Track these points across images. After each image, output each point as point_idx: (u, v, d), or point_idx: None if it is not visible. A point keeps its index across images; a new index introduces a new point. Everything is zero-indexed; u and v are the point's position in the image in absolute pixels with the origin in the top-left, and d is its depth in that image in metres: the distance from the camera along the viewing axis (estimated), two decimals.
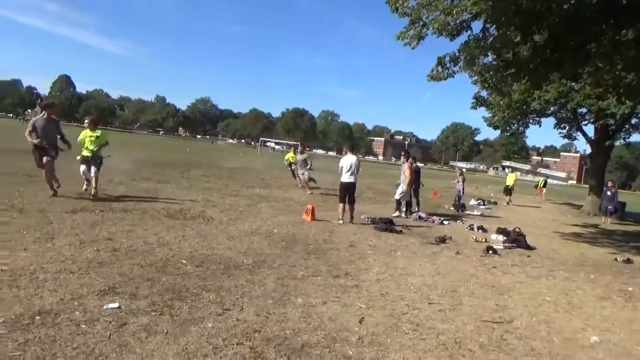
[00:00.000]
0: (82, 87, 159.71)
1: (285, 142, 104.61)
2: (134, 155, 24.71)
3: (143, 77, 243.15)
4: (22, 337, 3.44)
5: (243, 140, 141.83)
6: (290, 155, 19.40)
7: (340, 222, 10.49)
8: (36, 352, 3.26)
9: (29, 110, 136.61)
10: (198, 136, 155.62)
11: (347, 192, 10.73)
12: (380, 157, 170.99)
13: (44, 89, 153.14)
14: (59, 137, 9.67)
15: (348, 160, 10.81)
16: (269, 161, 41.27)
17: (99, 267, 5.25)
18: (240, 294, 4.94)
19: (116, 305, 4.21)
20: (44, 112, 9.66)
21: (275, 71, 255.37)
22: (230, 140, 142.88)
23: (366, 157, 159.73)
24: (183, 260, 5.95)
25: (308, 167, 16.82)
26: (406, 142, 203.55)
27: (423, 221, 12.76)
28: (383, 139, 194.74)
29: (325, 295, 5.26)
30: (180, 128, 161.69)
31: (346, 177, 10.74)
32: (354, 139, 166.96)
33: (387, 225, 10.52)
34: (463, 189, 17.72)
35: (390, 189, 22.41)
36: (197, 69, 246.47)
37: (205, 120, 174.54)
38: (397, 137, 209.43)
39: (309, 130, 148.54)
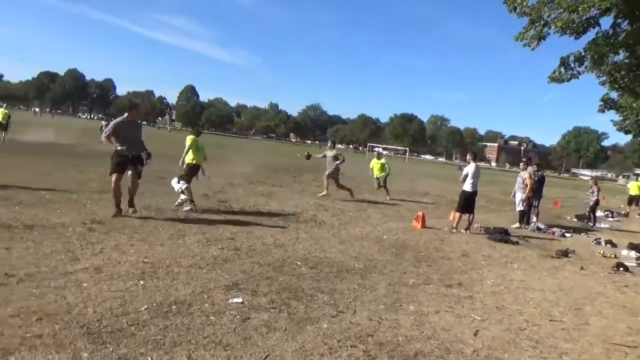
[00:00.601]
0: (204, 96, 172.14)
1: (393, 147, 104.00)
2: (251, 160, 26.17)
3: (258, 85, 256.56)
4: (162, 323, 3.85)
5: (351, 146, 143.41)
6: (374, 163, 16.48)
7: (454, 230, 10.24)
8: (173, 338, 3.63)
9: (160, 118, 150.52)
10: (308, 141, 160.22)
11: (469, 202, 10.46)
12: (493, 164, 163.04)
13: (172, 98, 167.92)
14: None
15: (472, 168, 10.52)
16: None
17: (224, 264, 5.69)
18: (353, 298, 5.06)
19: (240, 300, 4.54)
20: (126, 114, 8.05)
21: (384, 76, 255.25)
22: (339, 146, 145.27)
23: (478, 164, 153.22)
24: (298, 262, 6.23)
25: (338, 162, 14.39)
26: (522, 148, 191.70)
27: (542, 233, 12.01)
28: (496, 144, 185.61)
29: (438, 305, 5.20)
30: (292, 134, 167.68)
31: (470, 186, 10.48)
32: (465, 144, 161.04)
33: (502, 235, 10.07)
34: (597, 200, 16.03)
35: (504, 198, 21.32)
36: (307, 76, 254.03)
37: (315, 126, 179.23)
38: (511, 142, 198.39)
39: (417, 136, 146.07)
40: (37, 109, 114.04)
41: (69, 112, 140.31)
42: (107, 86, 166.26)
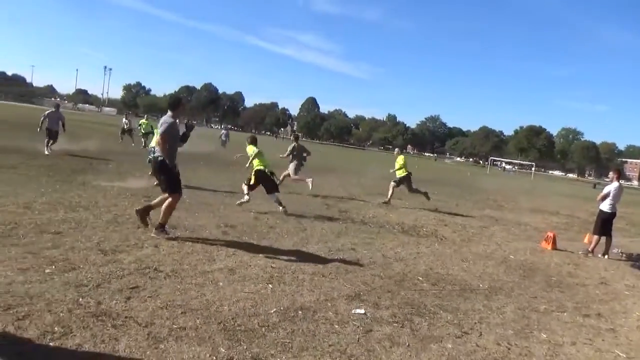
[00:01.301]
0: (325, 108, 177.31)
1: (518, 161, 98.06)
2: (369, 171, 26.37)
3: (377, 97, 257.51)
4: (289, 327, 4.03)
5: (471, 159, 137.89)
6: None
7: (590, 254, 9.37)
8: (300, 343, 3.78)
9: (282, 129, 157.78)
10: (426, 154, 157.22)
11: (607, 224, 9.57)
12: (635, 182, 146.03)
13: (294, 110, 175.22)
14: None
15: (615, 187, 9.61)
16: (500, 182, 39.34)
17: (345, 274, 5.79)
18: (478, 319, 4.86)
19: (362, 311, 4.59)
20: (170, 112, 6.53)
21: (508, 86, 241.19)
22: (458, 159, 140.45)
23: (621, 182, 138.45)
24: (419, 277, 6.13)
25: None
26: None
27: None
28: (638, 161, 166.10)
29: (574, 335, 4.79)
30: (409, 145, 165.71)
31: (608, 207, 9.60)
32: (601, 160, 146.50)
33: None
34: None
35: None
36: (427, 87, 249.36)
37: (433, 138, 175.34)
38: None
39: (545, 150, 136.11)
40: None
41: (203, 123, 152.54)
42: (237, 98, 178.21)
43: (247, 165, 9.82)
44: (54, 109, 15.79)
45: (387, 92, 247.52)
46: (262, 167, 9.42)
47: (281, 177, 12.86)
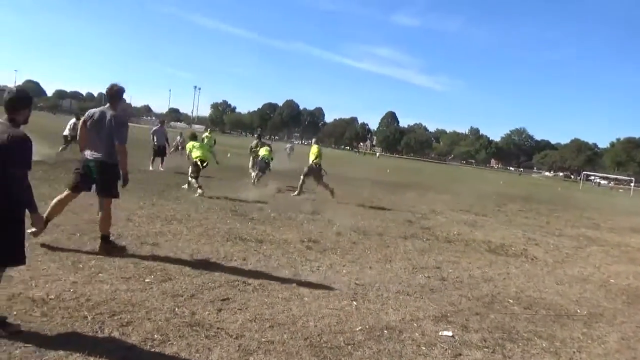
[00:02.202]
0: (404, 122, 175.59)
1: (614, 176, 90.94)
2: (451, 186, 25.67)
3: (458, 110, 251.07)
4: (375, 346, 3.99)
5: (561, 174, 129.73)
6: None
7: None
8: None
9: (362, 144, 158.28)
10: (510, 168, 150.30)
11: None
12: None
13: (374, 124, 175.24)
14: None
15: None
16: (595, 198, 36.73)
17: (431, 294, 5.65)
18: (577, 348, 4.53)
19: (450, 333, 4.45)
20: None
21: (602, 95, 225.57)
22: (546, 173, 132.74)
23: None
24: (509, 300, 5.85)
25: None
26: None
27: None
28: None
29: None
30: (493, 160, 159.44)
31: None
32: None
33: None
34: None
35: None
36: (512, 99, 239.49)
37: (519, 151, 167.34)
38: None
39: None
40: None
41: (284, 139, 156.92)
42: (317, 114, 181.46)
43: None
44: (159, 125, 17.08)
45: (468, 104, 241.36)
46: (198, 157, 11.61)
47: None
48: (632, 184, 67.40)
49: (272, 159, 15.44)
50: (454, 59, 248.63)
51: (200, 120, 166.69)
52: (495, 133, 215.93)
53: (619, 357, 4.45)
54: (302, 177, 13.43)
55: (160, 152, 15.97)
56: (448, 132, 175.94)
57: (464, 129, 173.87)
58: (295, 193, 13.27)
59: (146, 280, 4.81)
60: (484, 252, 8.70)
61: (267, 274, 5.57)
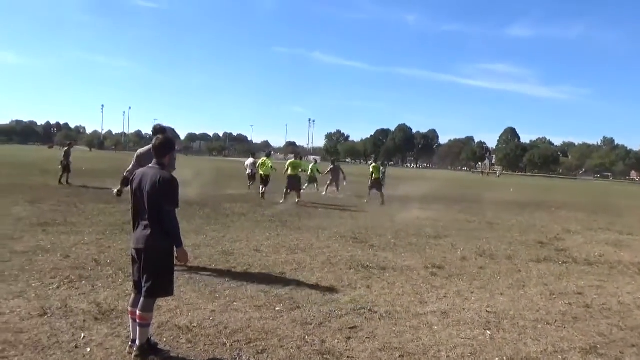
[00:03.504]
0: (526, 138, 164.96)
1: None
2: (583, 202, 23.46)
3: (586, 120, 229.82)
4: None
5: None
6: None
7: None
8: None
9: (480, 163, 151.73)
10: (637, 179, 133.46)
11: None
12: None
13: (492, 142, 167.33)
14: None
15: None
16: None
17: (574, 323, 5.14)
18: None
19: None
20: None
21: None
22: None
23: None
24: None
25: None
26: None
27: None
28: None
29: None
30: (633, 172, 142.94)
31: None
32: None
33: None
34: None
35: None
36: None
37: None
38: None
39: None
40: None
41: (399, 164, 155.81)
42: (431, 136, 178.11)
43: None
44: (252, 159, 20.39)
45: (598, 113, 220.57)
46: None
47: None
48: None
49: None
50: (577, 67, 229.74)
51: (315, 151, 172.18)
52: (634, 142, 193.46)
53: None
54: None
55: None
56: (577, 144, 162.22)
57: (595, 140, 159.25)
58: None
59: (276, 309, 4.99)
60: (634, 275, 7.75)
61: (392, 301, 5.49)
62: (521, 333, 4.72)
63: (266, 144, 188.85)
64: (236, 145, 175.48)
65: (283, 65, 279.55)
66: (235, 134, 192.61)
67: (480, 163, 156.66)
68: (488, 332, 4.69)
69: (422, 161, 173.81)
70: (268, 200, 15.68)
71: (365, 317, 4.90)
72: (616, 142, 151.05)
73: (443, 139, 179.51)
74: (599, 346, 4.49)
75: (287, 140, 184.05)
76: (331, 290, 5.80)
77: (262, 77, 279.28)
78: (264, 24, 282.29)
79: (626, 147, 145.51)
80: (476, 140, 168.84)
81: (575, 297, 6.17)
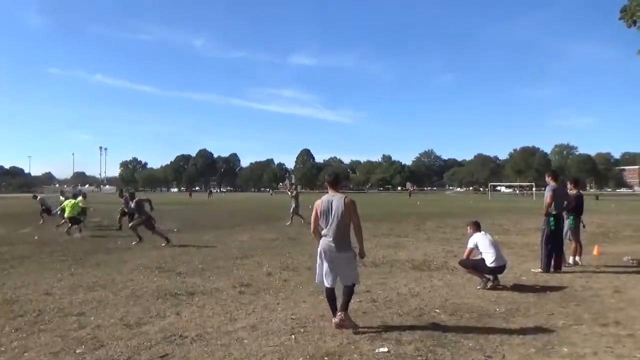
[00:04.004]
0: (320, 157, 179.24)
1: (517, 184, 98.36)
2: (372, 214, 26.52)
3: (368, 140, 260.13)
4: None
5: (471, 188, 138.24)
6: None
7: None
8: None
9: (281, 184, 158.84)
10: (426, 188, 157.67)
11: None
12: (637, 188, 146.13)
13: (290, 163, 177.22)
14: None
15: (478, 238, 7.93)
16: (503, 206, 39.48)
17: (364, 316, 5.92)
18: (499, 342, 4.97)
19: (386, 349, 4.72)
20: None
21: (496, 111, 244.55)
22: (458, 189, 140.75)
23: (617, 190, 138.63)
24: (436, 310, 6.26)
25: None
26: None
27: None
28: (637, 166, 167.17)
29: (595, 345, 4.89)
30: (408, 183, 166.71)
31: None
32: (599, 171, 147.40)
33: None
34: None
35: None
36: (417, 123, 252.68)
37: (430, 172, 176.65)
38: None
39: (542, 169, 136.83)
40: (208, 189, 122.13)
41: (202, 188, 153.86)
42: (233, 160, 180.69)
43: None
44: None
45: (377, 133, 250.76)
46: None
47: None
48: (533, 189, 73.19)
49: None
50: (354, 92, 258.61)
51: (110, 180, 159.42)
52: (406, 157, 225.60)
53: (535, 343, 4.93)
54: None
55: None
56: (362, 162, 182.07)
57: (377, 157, 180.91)
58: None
59: (77, 351, 4.65)
60: (408, 270, 9.18)
61: (203, 324, 5.57)
62: (321, 332, 5.26)
63: (49, 176, 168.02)
64: (9, 179, 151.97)
65: (59, 88, 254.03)
66: (7, 166, 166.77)
67: (281, 183, 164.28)
68: (293, 336, 5.12)
69: (226, 185, 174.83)
70: (55, 239, 14.12)
71: (177, 344, 4.89)
72: (393, 158, 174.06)
73: (245, 162, 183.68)
74: (383, 332, 5.27)
75: (75, 170, 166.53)
76: (138, 323, 5.61)
77: (37, 102, 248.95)
78: (34, 43, 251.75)
79: (401, 162, 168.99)
80: (276, 162, 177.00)
81: (364, 294, 7.06)
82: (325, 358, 4.50)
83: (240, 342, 4.93)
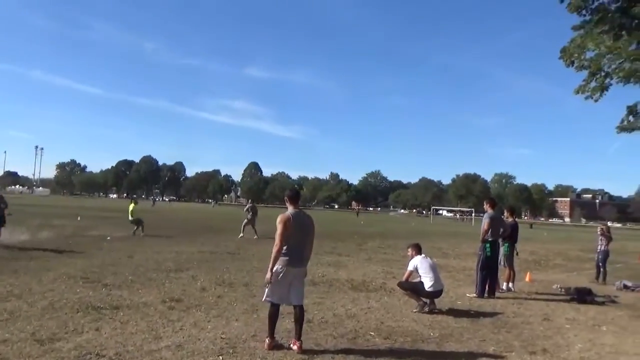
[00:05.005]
0: (268, 172, 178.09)
1: (458, 209, 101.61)
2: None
3: (316, 157, 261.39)
4: None
5: (414, 210, 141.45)
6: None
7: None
8: None
9: (226, 196, 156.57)
10: (370, 208, 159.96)
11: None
12: (567, 219, 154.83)
13: (237, 176, 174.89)
14: None
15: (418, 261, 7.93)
16: (443, 230, 40.49)
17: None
18: None
19: None
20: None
21: (443, 137, 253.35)
22: (402, 211, 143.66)
23: (550, 220, 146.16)
24: (371, 333, 6.16)
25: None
26: (597, 201, 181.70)
27: (629, 291, 11.14)
28: (568, 199, 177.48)
29: None
30: (353, 202, 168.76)
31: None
32: (534, 201, 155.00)
33: (585, 296, 9.45)
34: None
35: (583, 255, 20.11)
36: (366, 144, 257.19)
37: (376, 192, 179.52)
38: (584, 195, 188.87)
39: (482, 195, 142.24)
40: (152, 197, 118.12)
41: (142, 196, 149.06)
42: (178, 169, 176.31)
43: None
44: None
45: (326, 151, 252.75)
46: None
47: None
48: (473, 214, 75.76)
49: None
50: (305, 109, 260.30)
51: (43, 182, 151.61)
52: (354, 177, 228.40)
53: None
54: None
55: None
56: (310, 178, 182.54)
57: (324, 175, 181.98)
58: None
59: None
60: (347, 290, 9.08)
61: (124, 342, 5.18)
62: (251, 354, 5.02)
63: None
64: None
65: None
66: None
67: (226, 195, 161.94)
68: (221, 357, 4.85)
69: (169, 193, 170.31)
70: None
71: None
72: (340, 177, 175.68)
73: (190, 172, 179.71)
74: (315, 355, 5.09)
75: (6, 169, 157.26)
76: (51, 339, 5.14)
77: None
78: None
79: (348, 181, 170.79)
80: (222, 173, 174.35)
81: None
82: None
83: None
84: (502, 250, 10.14)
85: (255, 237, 19.18)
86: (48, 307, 6.46)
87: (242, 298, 7.76)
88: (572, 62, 11.20)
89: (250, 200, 24.29)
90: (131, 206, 19.23)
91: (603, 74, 10.71)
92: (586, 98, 11.19)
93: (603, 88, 10.82)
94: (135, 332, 5.58)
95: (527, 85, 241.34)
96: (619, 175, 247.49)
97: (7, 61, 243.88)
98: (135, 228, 18.49)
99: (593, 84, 11.10)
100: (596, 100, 11.08)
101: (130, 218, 18.88)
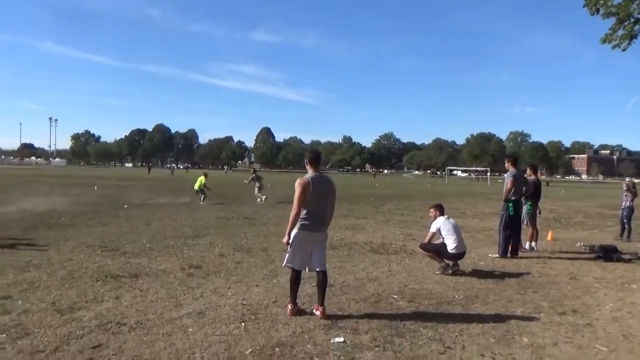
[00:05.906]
0: (280, 137, 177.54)
1: (473, 168, 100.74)
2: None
3: (329, 121, 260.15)
4: None
5: (429, 171, 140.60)
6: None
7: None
8: None
9: (240, 162, 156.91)
10: (385, 171, 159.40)
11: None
12: (584, 176, 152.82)
13: (250, 142, 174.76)
14: None
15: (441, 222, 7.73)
16: (459, 190, 40.15)
17: None
18: (459, 331, 4.76)
19: (341, 339, 4.41)
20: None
21: (454, 98, 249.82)
22: (416, 172, 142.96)
23: (566, 177, 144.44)
24: (394, 296, 6.02)
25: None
26: (615, 157, 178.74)
27: None
28: (585, 155, 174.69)
29: (554, 335, 4.76)
30: (367, 165, 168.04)
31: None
32: (550, 158, 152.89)
33: (611, 254, 9.21)
34: None
35: (604, 212, 19.76)
36: (378, 106, 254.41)
37: (389, 154, 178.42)
38: (602, 151, 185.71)
39: (498, 155, 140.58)
40: (170, 165, 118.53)
41: (158, 164, 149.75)
42: (191, 136, 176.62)
43: None
44: None
45: (339, 115, 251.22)
46: None
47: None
48: (488, 174, 75.06)
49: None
50: (316, 72, 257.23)
51: (60, 154, 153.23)
52: (367, 140, 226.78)
53: (495, 333, 4.75)
54: None
55: None
56: (323, 142, 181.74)
57: (337, 139, 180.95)
58: None
59: None
60: (367, 253, 8.95)
61: (144, 310, 5.11)
62: (274, 320, 4.91)
63: None
64: None
65: (5, 55, 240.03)
66: None
67: (240, 161, 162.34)
68: (243, 324, 4.75)
69: (183, 161, 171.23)
70: None
71: (112, 332, 4.43)
72: (354, 140, 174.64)
73: (203, 139, 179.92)
74: (338, 320, 4.97)
75: (23, 141, 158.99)
76: (72, 308, 5.09)
77: None
78: None
79: (361, 144, 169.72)
80: (235, 140, 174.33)
81: None
82: (277, 349, 4.16)
83: (185, 331, 4.52)
84: (525, 208, 9.88)
85: (259, 200, 20.10)
86: (67, 277, 6.42)
87: (261, 263, 7.67)
88: (598, 10, 10.61)
89: (252, 170, 24.71)
90: (202, 178, 19.77)
91: (632, 20, 10.15)
92: (613, 47, 10.65)
93: (632, 36, 10.28)
94: (156, 300, 5.51)
95: (541, 41, 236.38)
96: (638, 130, 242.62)
97: (19, 34, 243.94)
98: (203, 197, 19.28)
99: (620, 32, 10.55)
100: (624, 50, 10.57)
101: (196, 188, 19.68)
